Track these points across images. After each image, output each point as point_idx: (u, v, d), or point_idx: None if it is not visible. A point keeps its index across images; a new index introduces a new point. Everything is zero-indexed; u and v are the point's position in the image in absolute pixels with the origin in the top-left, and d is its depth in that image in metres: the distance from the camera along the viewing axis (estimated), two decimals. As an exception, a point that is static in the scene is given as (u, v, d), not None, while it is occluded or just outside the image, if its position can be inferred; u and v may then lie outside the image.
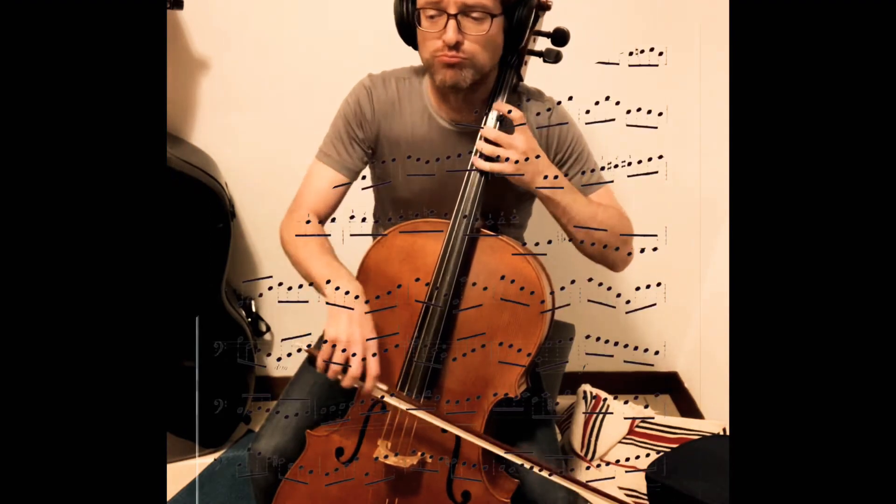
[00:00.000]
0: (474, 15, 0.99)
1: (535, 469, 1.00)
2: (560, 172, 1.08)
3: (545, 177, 1.05)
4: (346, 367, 0.99)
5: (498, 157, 1.03)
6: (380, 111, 1.16)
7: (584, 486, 0.99)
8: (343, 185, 1.18)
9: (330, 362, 0.99)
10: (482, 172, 1.05)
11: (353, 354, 0.99)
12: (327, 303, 1.02)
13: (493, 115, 1.07)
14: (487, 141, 1.04)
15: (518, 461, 1.01)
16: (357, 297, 1.02)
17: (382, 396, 1.02)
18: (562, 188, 1.06)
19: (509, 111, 1.04)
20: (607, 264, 1.17)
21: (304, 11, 1.52)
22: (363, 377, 1.00)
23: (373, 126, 1.17)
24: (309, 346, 1.04)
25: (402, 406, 1.02)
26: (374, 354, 1.00)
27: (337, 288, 1.02)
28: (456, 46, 1.00)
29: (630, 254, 1.17)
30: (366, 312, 1.02)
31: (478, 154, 1.05)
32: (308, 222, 1.14)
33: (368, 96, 1.16)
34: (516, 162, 1.02)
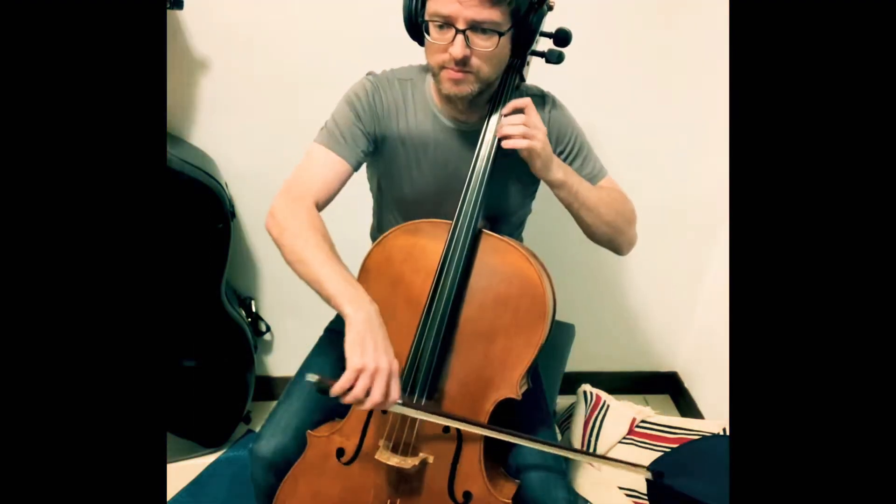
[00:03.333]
0: (483, 29, 0.99)
1: (547, 449, 1.04)
2: (562, 162, 1.10)
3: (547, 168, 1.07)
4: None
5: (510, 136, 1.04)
6: (386, 109, 1.16)
7: (588, 454, 1.01)
8: (346, 175, 1.14)
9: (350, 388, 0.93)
10: (485, 171, 1.06)
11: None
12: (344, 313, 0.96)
13: (494, 117, 1.08)
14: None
15: (526, 443, 1.04)
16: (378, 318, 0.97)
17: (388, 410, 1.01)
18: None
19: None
20: (614, 248, 1.19)
21: (304, 11, 1.52)
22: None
23: (380, 123, 1.16)
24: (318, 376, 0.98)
25: (412, 414, 1.02)
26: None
27: (358, 309, 0.95)
28: (463, 61, 1.00)
29: (635, 236, 1.20)
30: None
31: (493, 146, 1.07)
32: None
33: (377, 92, 1.15)
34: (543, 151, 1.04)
